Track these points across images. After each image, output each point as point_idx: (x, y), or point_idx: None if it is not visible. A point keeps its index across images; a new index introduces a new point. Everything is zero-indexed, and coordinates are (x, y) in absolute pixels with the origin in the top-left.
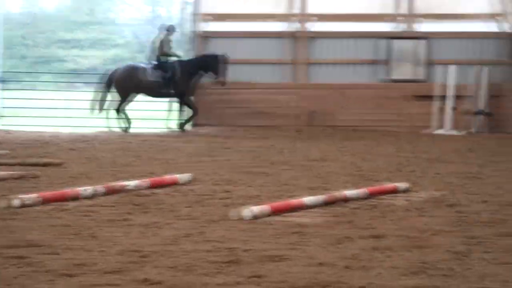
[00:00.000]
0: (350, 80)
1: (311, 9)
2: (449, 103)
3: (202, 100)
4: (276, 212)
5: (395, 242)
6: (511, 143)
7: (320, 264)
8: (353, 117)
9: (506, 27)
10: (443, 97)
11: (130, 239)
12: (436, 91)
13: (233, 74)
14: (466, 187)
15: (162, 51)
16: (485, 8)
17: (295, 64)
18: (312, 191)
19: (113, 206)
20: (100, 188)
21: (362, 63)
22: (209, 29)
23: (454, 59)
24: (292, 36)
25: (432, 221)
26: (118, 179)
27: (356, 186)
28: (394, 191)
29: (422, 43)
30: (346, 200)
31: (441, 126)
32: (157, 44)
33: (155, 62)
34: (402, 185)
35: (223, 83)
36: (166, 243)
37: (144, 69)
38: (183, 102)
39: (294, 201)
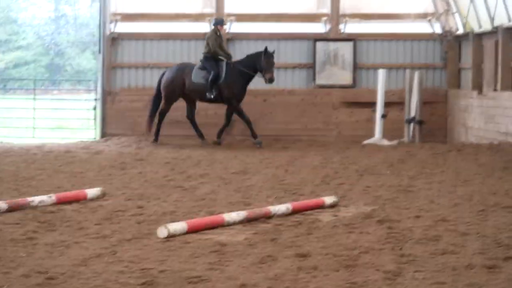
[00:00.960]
0: (272, 86)
1: (228, 8)
2: (379, 111)
3: (112, 108)
4: (194, 229)
5: (321, 261)
6: (445, 153)
7: (242, 285)
8: (276, 126)
9: (438, 28)
10: (372, 104)
11: (36, 259)
12: (365, 97)
13: (146, 79)
14: (397, 201)
15: (208, 48)
16: (416, 8)
17: None
18: (232, 206)
19: (17, 224)
20: (2, 204)
21: (285, 67)
22: (118, 30)
23: (383, 63)
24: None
25: (361, 238)
26: (21, 194)
27: (279, 200)
28: (321, 206)
29: (349, 45)
30: (269, 216)
31: (371, 135)
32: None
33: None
34: (329, 199)
35: (271, 79)
36: (75, 264)
37: (191, 69)
38: (229, 109)
39: (213, 217)
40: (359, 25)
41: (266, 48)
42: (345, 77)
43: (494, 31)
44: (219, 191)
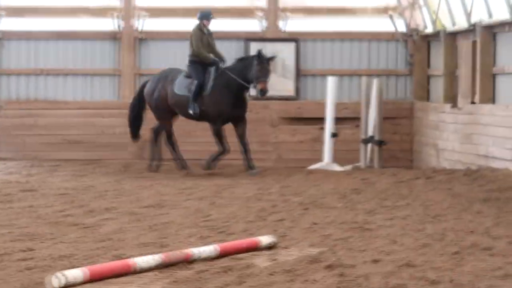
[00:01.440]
0: None
1: (139, 0)
2: (328, 128)
3: None
4: (96, 277)
5: None
6: (411, 180)
7: None
8: (199, 147)
9: (402, 25)
10: (320, 120)
11: None
12: (311, 112)
13: (38, 89)
14: (351, 241)
15: (192, 50)
16: (374, 1)
17: (119, 75)
18: (145, 248)
19: None
20: None
21: None
22: (2, 27)
23: (333, 68)
24: (114, 37)
25: None
26: None
27: (203, 241)
28: (255, 248)
29: (290, 46)
30: (190, 260)
31: (318, 159)
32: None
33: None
34: (266, 239)
35: (262, 91)
36: None
37: (175, 77)
38: (214, 131)
39: (121, 262)
40: (303, 22)
41: (259, 52)
42: (286, 87)
43: (471, 29)
44: (128, 229)
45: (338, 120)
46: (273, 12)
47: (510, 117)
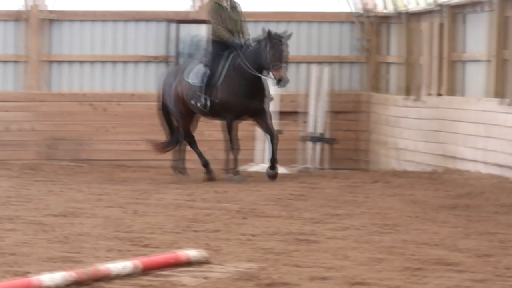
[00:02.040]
0: (115, 89)
1: None
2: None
3: None
4: None
5: None
6: (366, 185)
7: None
8: (120, 147)
9: (354, 5)
10: None
11: None
12: None
13: None
14: (295, 255)
15: (210, 29)
16: None
17: (26, 62)
18: (53, 264)
19: None
20: None
21: (133, 61)
22: None
23: None
24: (18, 18)
25: None
26: None
27: (123, 256)
28: (184, 263)
29: None
30: (107, 277)
31: (258, 160)
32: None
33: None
34: (196, 253)
35: (281, 81)
36: None
37: (189, 63)
38: (227, 129)
39: (24, 280)
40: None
41: (269, 31)
42: None
43: (438, 10)
44: (34, 242)
45: (282, 115)
46: None
47: (482, 112)
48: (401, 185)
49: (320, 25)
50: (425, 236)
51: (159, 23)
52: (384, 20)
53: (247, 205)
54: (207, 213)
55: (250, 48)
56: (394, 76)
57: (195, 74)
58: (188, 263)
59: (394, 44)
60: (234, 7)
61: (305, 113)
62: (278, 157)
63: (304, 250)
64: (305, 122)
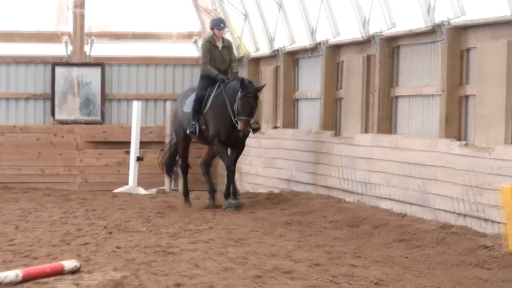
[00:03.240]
0: (1, 121)
1: None
2: (133, 152)
3: None
4: None
5: None
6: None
7: None
8: (5, 171)
9: None
10: (126, 144)
11: None
12: (116, 136)
13: None
14: (154, 265)
15: (201, 66)
16: (179, 27)
17: None
18: None
19: None
20: None
21: (17, 97)
22: None
23: (139, 93)
24: None
25: None
26: None
27: (6, 266)
28: (59, 272)
29: (96, 71)
30: None
31: (124, 183)
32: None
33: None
34: (69, 263)
35: (242, 132)
36: None
37: (189, 94)
38: (215, 151)
39: None
40: (108, 47)
41: (242, 80)
42: (92, 111)
43: (274, 55)
44: None
45: (144, 144)
46: (79, 37)
47: (312, 142)
48: (244, 204)
49: (175, 68)
50: (264, 248)
51: (37, 65)
52: None
53: (113, 221)
54: (78, 228)
55: (231, 83)
56: None
57: (189, 104)
58: (62, 272)
59: None
60: (226, 46)
61: (163, 143)
62: (141, 179)
63: (161, 261)
64: (162, 150)
